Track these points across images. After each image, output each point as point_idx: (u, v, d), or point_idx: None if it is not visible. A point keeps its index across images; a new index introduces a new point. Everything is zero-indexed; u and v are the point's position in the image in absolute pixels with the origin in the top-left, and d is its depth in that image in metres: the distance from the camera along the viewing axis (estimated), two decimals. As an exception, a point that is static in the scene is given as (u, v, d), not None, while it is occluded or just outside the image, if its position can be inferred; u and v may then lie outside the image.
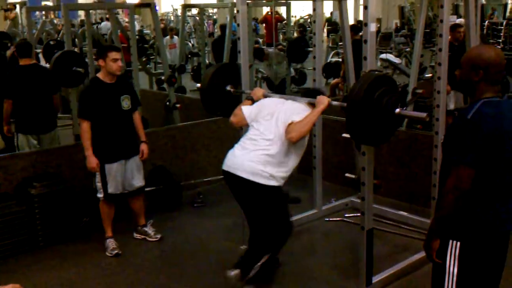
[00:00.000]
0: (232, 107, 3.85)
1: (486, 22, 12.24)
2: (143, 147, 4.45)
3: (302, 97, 3.77)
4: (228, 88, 4.04)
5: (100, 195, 4.32)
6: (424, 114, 3.06)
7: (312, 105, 3.56)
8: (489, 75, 2.32)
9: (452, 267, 2.41)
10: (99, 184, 4.29)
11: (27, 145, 5.21)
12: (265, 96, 3.80)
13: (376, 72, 3.24)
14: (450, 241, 2.41)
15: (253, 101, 3.76)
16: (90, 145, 4.18)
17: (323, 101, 3.47)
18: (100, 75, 4.29)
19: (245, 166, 3.41)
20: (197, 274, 4.02)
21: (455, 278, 2.41)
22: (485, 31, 11.72)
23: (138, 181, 4.45)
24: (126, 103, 4.31)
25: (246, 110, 3.67)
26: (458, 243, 2.39)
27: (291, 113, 3.46)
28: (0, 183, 4.52)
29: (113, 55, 4.17)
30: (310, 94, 3.74)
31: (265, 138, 3.45)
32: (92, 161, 4.18)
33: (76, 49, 9.16)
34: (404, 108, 3.12)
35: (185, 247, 4.48)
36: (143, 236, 4.61)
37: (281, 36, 12.49)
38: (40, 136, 5.28)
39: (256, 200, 3.52)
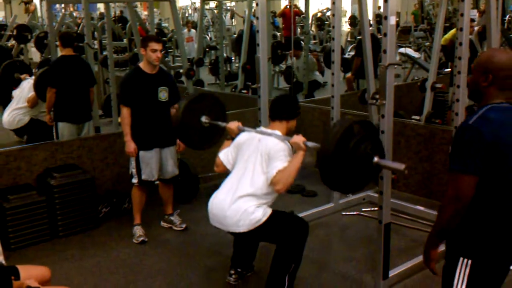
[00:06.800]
0: (215, 136, 3.86)
1: (507, 16, 12.06)
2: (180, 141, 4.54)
3: (272, 107, 3.56)
4: (203, 119, 3.80)
5: (134, 181, 4.44)
6: (403, 166, 2.81)
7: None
8: (499, 80, 2.18)
9: (460, 286, 2.26)
10: (133, 170, 4.41)
11: (69, 134, 5.26)
12: (240, 130, 3.62)
13: (350, 117, 3.06)
14: (461, 259, 2.25)
15: (233, 139, 3.63)
16: (130, 130, 4.32)
17: (299, 144, 3.21)
18: (141, 64, 4.42)
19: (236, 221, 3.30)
20: (217, 267, 4.05)
21: None
22: (506, 25, 11.55)
23: (172, 170, 4.56)
24: (163, 94, 4.39)
25: (224, 156, 3.59)
26: (470, 261, 2.23)
27: (269, 157, 3.28)
28: (22, 174, 4.60)
29: (153, 45, 4.29)
30: (281, 105, 3.55)
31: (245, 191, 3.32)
32: (130, 146, 4.33)
33: (95, 42, 9.24)
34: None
35: (205, 240, 4.50)
36: (169, 225, 4.74)
37: (299, 30, 12.41)
38: (79, 125, 5.36)
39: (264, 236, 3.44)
